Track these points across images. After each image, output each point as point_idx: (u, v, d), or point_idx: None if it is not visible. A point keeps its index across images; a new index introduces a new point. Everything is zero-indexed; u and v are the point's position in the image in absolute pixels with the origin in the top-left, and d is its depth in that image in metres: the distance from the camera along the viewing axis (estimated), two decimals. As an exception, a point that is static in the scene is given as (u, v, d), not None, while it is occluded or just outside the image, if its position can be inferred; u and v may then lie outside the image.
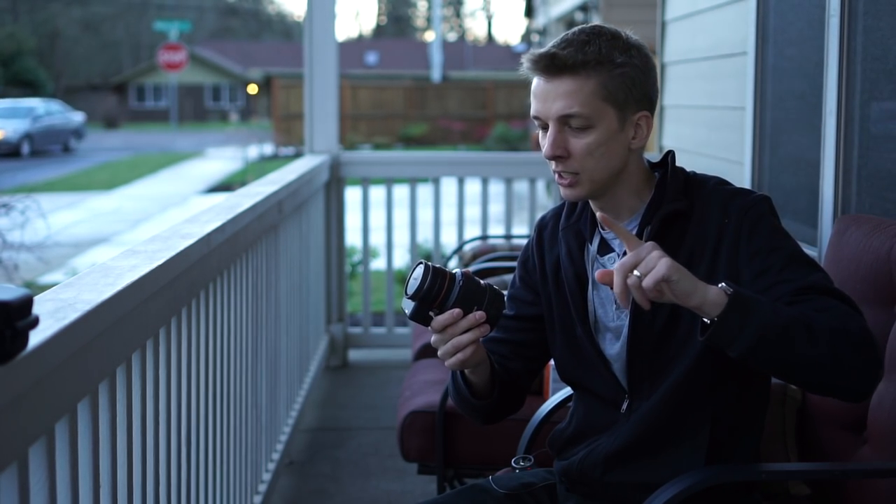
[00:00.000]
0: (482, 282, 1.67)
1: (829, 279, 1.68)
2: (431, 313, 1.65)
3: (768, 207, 1.72)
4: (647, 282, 1.49)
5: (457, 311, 1.63)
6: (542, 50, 1.71)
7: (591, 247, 1.82)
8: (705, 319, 1.54)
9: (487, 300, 1.65)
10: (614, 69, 1.68)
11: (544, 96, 1.71)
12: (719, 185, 1.77)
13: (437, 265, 1.65)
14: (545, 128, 1.73)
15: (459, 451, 2.74)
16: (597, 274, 1.56)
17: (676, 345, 1.72)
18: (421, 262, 1.65)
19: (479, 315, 1.64)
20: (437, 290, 1.63)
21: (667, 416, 1.74)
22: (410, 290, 1.63)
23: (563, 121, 1.70)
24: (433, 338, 1.69)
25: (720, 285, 1.54)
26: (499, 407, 1.90)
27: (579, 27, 1.74)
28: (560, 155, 1.71)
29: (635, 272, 1.50)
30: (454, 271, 1.66)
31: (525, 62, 1.73)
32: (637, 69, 1.71)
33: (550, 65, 1.69)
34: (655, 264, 1.49)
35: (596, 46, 1.68)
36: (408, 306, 1.66)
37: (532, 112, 1.75)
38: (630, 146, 1.74)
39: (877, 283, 1.99)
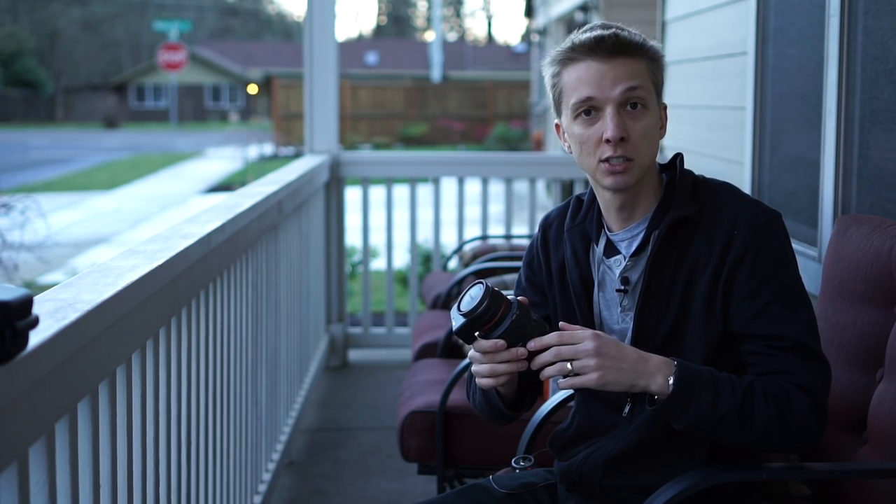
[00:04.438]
0: (535, 317, 1.65)
1: (807, 325, 1.70)
2: (477, 334, 1.63)
3: (780, 227, 1.73)
4: (576, 382, 1.60)
5: (501, 342, 1.62)
6: (596, 33, 1.68)
7: (597, 248, 1.81)
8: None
9: (537, 338, 1.63)
10: (655, 55, 1.72)
11: (600, 78, 1.68)
12: (730, 192, 1.76)
13: (497, 288, 1.63)
14: (589, 113, 1.70)
15: (459, 451, 2.73)
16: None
17: (681, 351, 1.72)
18: (481, 282, 1.62)
19: (521, 352, 1.62)
20: (491, 315, 1.61)
21: (668, 423, 1.73)
22: (464, 308, 1.61)
23: (623, 102, 1.68)
24: (471, 353, 1.68)
25: (669, 379, 1.61)
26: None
27: (600, 23, 1.73)
28: (623, 137, 1.68)
29: (569, 365, 1.59)
30: (512, 299, 1.64)
31: (571, 50, 1.70)
32: (663, 58, 1.75)
33: (616, 43, 1.67)
34: (588, 372, 1.59)
35: (635, 33, 1.71)
36: (457, 321, 1.63)
37: (581, 97, 1.69)
38: (659, 135, 1.76)
39: (877, 283, 1.99)
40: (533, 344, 1.61)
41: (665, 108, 1.78)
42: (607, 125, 1.68)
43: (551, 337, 1.61)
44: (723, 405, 1.62)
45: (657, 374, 1.61)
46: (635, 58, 1.69)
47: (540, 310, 1.91)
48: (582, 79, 1.69)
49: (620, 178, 1.70)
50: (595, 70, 1.68)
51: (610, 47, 1.68)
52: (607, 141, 1.68)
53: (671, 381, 1.60)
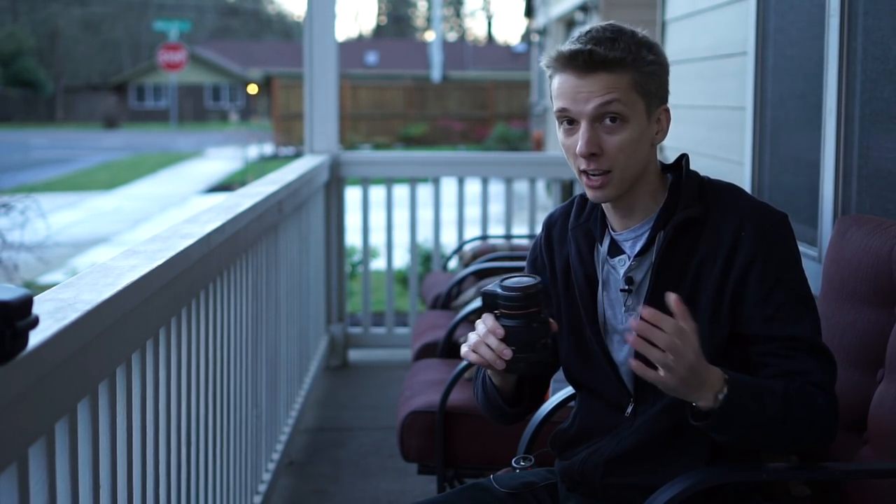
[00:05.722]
0: (547, 345, 1.67)
1: (816, 323, 1.74)
2: (496, 312, 1.67)
3: (788, 228, 1.74)
4: (657, 378, 1.53)
5: (500, 331, 1.65)
6: (575, 47, 1.67)
7: (601, 248, 1.82)
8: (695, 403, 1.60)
9: (526, 357, 1.66)
10: (645, 66, 1.70)
11: (575, 92, 1.68)
12: (736, 194, 1.77)
13: (546, 295, 1.66)
14: (571, 123, 1.71)
15: (459, 451, 2.73)
16: (633, 325, 1.53)
17: None
18: (539, 280, 1.66)
19: (506, 353, 1.65)
20: (514, 307, 1.65)
21: (671, 422, 1.74)
22: (508, 283, 1.66)
23: (598, 117, 1.68)
24: (478, 321, 1.70)
25: (719, 396, 1.57)
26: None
27: (600, 25, 1.72)
28: (595, 152, 1.68)
29: (670, 357, 1.51)
30: (545, 315, 1.66)
31: (553, 60, 1.71)
32: (660, 66, 1.73)
33: (589, 61, 1.66)
34: (672, 380, 1.53)
35: (625, 44, 1.68)
36: (493, 286, 1.68)
37: (558, 108, 1.71)
38: (653, 141, 1.75)
39: (877, 283, 1.99)
40: (635, 322, 1.52)
41: (667, 112, 1.76)
42: (578, 140, 1.69)
43: (670, 324, 1.52)
44: (767, 415, 1.61)
45: (709, 391, 1.57)
46: (615, 72, 1.67)
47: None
48: (560, 90, 1.71)
49: (599, 192, 1.72)
50: (571, 84, 1.69)
51: (583, 64, 1.67)
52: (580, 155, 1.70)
53: (720, 399, 1.57)
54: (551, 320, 1.68)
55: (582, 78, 1.68)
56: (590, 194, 1.73)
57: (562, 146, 1.75)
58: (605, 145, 1.69)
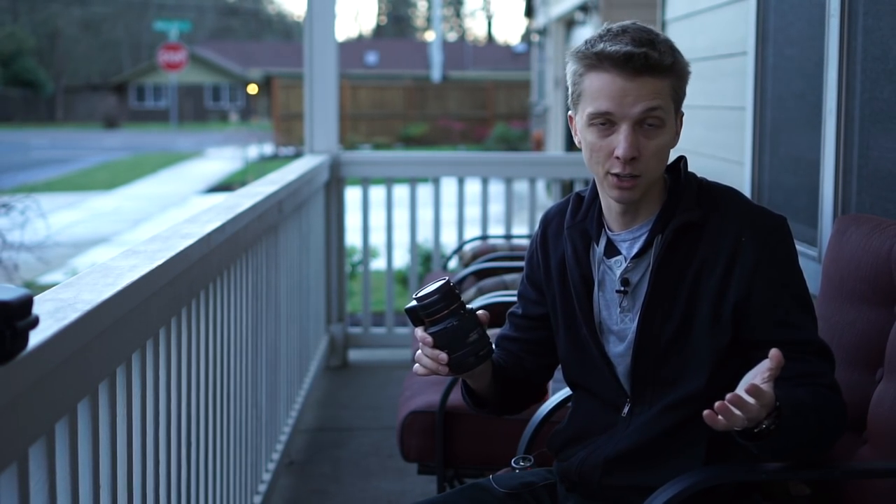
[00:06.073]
0: (481, 335, 1.69)
1: (817, 325, 1.76)
2: (424, 323, 1.70)
3: (787, 232, 1.75)
4: (733, 422, 1.49)
5: (429, 339, 1.69)
6: (626, 48, 1.64)
7: (597, 248, 1.81)
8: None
9: (463, 353, 1.69)
10: (681, 72, 1.71)
11: (622, 95, 1.65)
12: (735, 198, 1.77)
13: (458, 291, 1.69)
14: (605, 124, 1.68)
15: (459, 451, 2.74)
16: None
17: (685, 359, 1.73)
18: (448, 281, 1.69)
19: (441, 357, 1.68)
20: (433, 311, 1.68)
21: (668, 423, 1.74)
22: (419, 293, 1.70)
23: (640, 121, 1.67)
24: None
25: (763, 423, 1.53)
26: (511, 403, 1.95)
27: (632, 24, 1.70)
28: (635, 156, 1.67)
29: (743, 423, 1.49)
30: (466, 307, 1.69)
31: (595, 58, 1.66)
32: (689, 73, 1.74)
33: (645, 64, 1.64)
34: (727, 426, 1.50)
35: (666, 48, 1.68)
36: (409, 301, 1.72)
37: (598, 109, 1.67)
38: (671, 145, 1.75)
39: (877, 283, 1.99)
40: (760, 378, 1.49)
41: (681, 115, 1.76)
42: (620, 143, 1.66)
43: (766, 394, 1.49)
44: (809, 428, 1.61)
45: (765, 417, 1.54)
46: (660, 77, 1.67)
47: (538, 308, 1.91)
48: (603, 91, 1.67)
49: (627, 193, 1.70)
50: (618, 86, 1.66)
51: (638, 67, 1.65)
52: (618, 157, 1.67)
53: (770, 427, 1.54)
54: (478, 312, 1.70)
55: (631, 80, 1.65)
56: (616, 195, 1.71)
57: (589, 146, 1.71)
58: (642, 150, 1.67)
